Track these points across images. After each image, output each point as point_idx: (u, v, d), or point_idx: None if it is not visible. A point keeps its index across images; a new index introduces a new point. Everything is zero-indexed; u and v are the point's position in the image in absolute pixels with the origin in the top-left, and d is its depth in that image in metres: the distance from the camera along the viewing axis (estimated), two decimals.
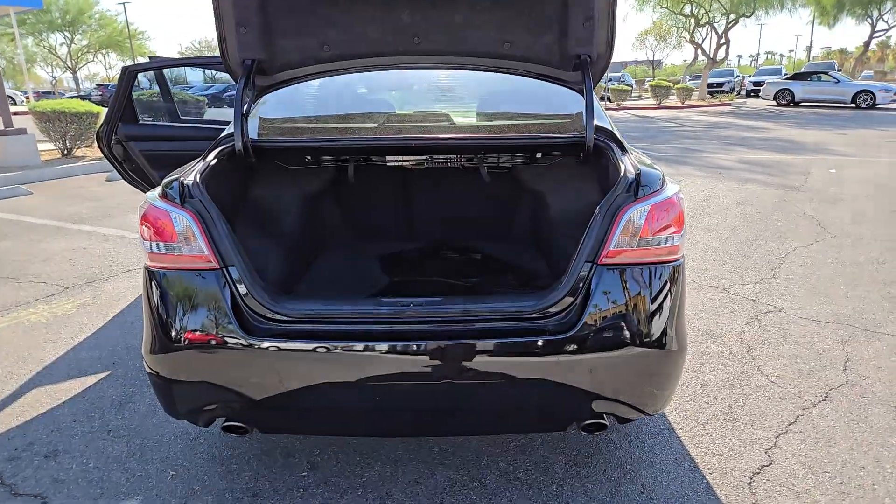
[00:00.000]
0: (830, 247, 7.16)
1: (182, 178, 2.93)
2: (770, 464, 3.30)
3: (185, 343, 2.73)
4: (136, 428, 3.74)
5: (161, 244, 2.84)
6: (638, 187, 2.74)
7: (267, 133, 3.47)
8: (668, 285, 2.74)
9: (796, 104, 31.97)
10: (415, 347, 2.63)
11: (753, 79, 44.52)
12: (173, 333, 2.76)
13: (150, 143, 6.07)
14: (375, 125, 3.52)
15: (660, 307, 2.72)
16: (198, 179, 2.92)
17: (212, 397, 2.79)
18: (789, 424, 3.66)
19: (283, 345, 2.68)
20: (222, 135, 3.40)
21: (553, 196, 4.00)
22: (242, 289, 2.75)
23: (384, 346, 2.64)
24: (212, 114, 18.76)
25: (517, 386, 2.69)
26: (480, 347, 2.64)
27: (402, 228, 4.81)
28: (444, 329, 2.69)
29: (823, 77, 31.92)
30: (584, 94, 3.19)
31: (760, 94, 34.98)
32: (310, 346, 2.69)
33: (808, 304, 5.46)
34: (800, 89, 31.91)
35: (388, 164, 4.01)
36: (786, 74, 40.15)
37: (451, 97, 4.22)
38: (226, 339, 2.71)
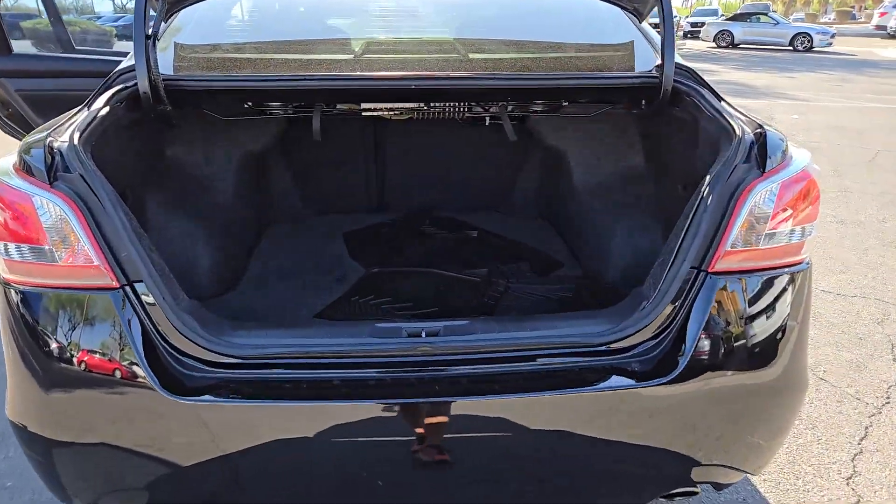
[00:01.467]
0: (822, 203, 6.62)
1: (52, 139, 1.81)
2: (857, 502, 2.65)
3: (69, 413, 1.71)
4: None
5: (21, 248, 1.76)
6: (764, 156, 1.86)
7: (187, 67, 2.35)
8: (797, 300, 1.92)
9: (735, 46, 31.88)
10: (442, 411, 1.73)
11: (691, 20, 44.26)
12: (48, 395, 1.73)
13: (31, 81, 4.68)
14: (349, 57, 2.45)
15: (786, 332, 1.90)
16: (77, 141, 1.81)
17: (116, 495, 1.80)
18: (861, 440, 3.02)
19: (230, 407, 1.71)
20: (117, 69, 2.25)
21: (583, 158, 3.08)
22: (159, 316, 1.74)
23: (391, 410, 1.72)
24: (122, 48, 16.38)
25: (578, 451, 1.85)
26: (534, 405, 1.76)
27: (378, 201, 3.79)
28: (479, 378, 1.78)
29: (763, 18, 31.78)
30: (662, 15, 2.23)
31: (701, 36, 34.68)
32: (273, 409, 1.72)
33: (825, 275, 4.87)
34: (739, 30, 31.70)
35: (364, 113, 2.95)
36: (722, 16, 40.02)
37: (451, 19, 3.14)
38: (136, 405, 1.71)
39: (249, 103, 2.83)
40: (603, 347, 1.86)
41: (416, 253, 3.21)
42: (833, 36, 30.36)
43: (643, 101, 2.50)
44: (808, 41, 29.77)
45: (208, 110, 2.75)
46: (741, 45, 32.14)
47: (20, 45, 4.71)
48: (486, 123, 3.24)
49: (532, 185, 3.66)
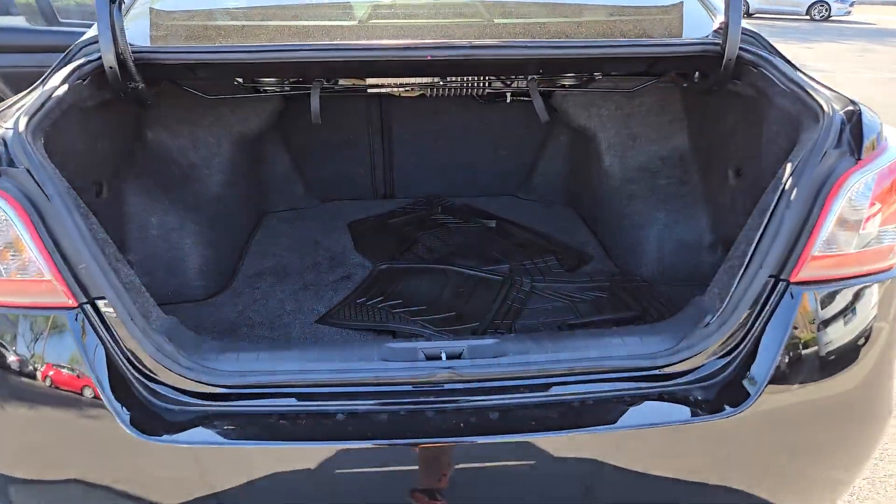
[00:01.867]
0: None
1: None
2: None
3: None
4: None
5: None
6: (859, 139, 1.52)
7: (163, 37, 2.02)
8: (886, 314, 1.60)
9: (750, 16, 30.89)
10: (465, 455, 1.44)
11: None
12: None
13: (9, 57, 4.38)
14: (353, 23, 2.11)
15: (875, 352, 1.59)
16: (24, 128, 1.50)
17: None
18: None
19: (216, 450, 1.43)
20: (80, 40, 1.92)
21: (617, 138, 2.74)
22: (127, 339, 1.45)
23: (405, 454, 1.43)
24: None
25: (626, 494, 1.56)
26: (574, 444, 1.47)
27: (386, 187, 3.46)
28: (511, 410, 1.49)
29: None
30: None
31: None
32: (264, 451, 1.44)
33: None
34: None
35: (370, 90, 2.62)
36: None
37: None
38: (100, 446, 1.44)
39: (238, 79, 2.50)
40: (657, 371, 1.56)
41: (428, 246, 2.89)
42: (852, 4, 29.40)
43: (696, 73, 2.15)
44: (826, 10, 28.83)
45: (190, 88, 2.42)
46: (756, 15, 31.20)
47: None
48: (508, 101, 2.90)
49: (555, 169, 3.32)
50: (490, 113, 3.25)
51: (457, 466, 1.46)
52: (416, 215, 3.21)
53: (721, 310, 1.56)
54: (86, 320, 1.43)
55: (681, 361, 1.54)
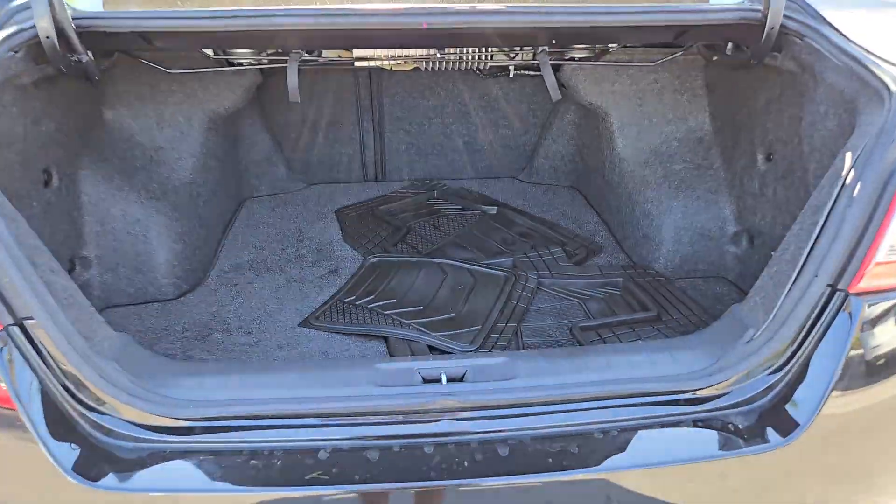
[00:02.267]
0: None
1: None
2: None
3: None
4: None
5: None
6: None
7: (114, 1, 1.73)
8: None
9: None
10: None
11: None
12: None
13: None
14: None
15: None
16: None
17: None
18: None
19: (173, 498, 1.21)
20: (10, 6, 1.64)
21: (631, 117, 2.49)
22: (65, 365, 1.22)
23: (404, 497, 1.21)
24: None
25: None
26: (599, 485, 1.26)
27: (377, 169, 3.19)
28: (524, 444, 1.27)
29: None
30: None
31: None
32: (237, 499, 1.22)
33: None
34: None
35: (357, 63, 2.35)
36: None
37: None
38: (38, 498, 1.21)
39: (206, 50, 2.22)
40: (691, 394, 1.34)
41: (423, 235, 2.65)
42: None
43: (729, 45, 1.90)
44: None
45: (148, 61, 2.14)
46: None
47: None
48: (510, 75, 2.63)
49: (561, 150, 3.06)
50: (491, 88, 2.99)
51: None
52: (409, 201, 2.96)
53: (766, 323, 1.34)
54: (12, 345, 1.18)
55: (720, 383, 1.33)
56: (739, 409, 1.35)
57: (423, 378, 1.34)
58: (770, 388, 1.34)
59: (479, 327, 1.99)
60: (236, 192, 2.89)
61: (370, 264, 2.41)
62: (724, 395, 1.34)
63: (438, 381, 1.34)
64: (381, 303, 2.14)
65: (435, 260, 2.38)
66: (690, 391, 1.33)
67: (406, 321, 2.03)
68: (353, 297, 2.19)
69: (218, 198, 2.61)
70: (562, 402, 1.31)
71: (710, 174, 2.35)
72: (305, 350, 1.94)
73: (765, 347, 1.32)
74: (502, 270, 2.30)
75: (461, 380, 1.35)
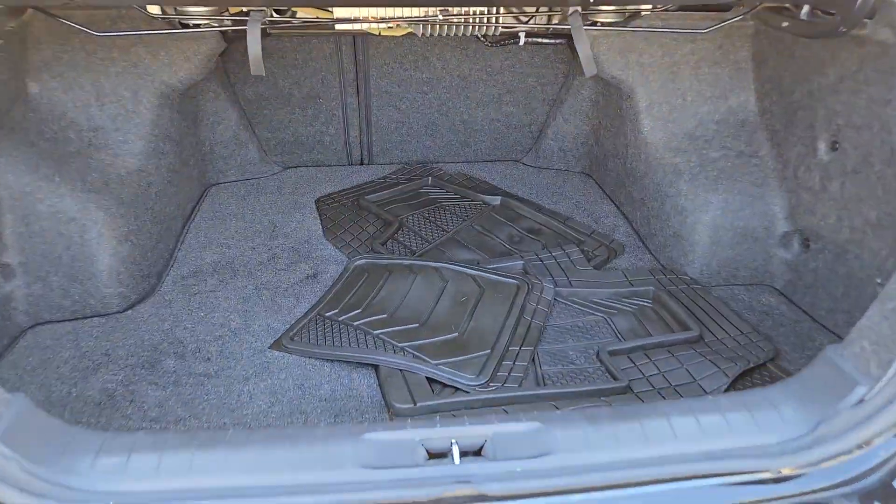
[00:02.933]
0: None
1: None
2: None
3: None
4: None
5: None
6: None
7: None
8: None
9: None
10: None
11: None
12: None
13: None
14: None
15: None
16: None
17: None
18: None
19: None
20: None
21: (661, 94, 2.13)
22: None
23: None
24: None
25: None
26: None
27: (363, 151, 2.81)
28: None
29: None
30: None
31: None
32: None
33: None
34: None
35: (338, 27, 1.95)
36: None
37: None
38: None
39: (151, 8, 1.80)
40: (781, 473, 1.01)
41: (417, 231, 2.29)
42: None
43: (805, 7, 1.53)
44: None
45: (74, 22, 1.72)
46: None
47: None
48: (520, 43, 2.24)
49: (574, 131, 2.69)
50: (496, 59, 2.59)
51: None
52: (400, 188, 2.58)
53: (885, 381, 1.01)
54: None
55: (823, 462, 1.00)
56: (842, 488, 1.03)
57: (427, 452, 1.00)
58: (883, 463, 1.02)
59: (489, 352, 1.65)
60: (199, 178, 2.49)
61: (356, 268, 2.05)
62: (824, 472, 1.02)
63: (448, 455, 1.00)
64: (368, 319, 1.78)
65: (432, 264, 2.02)
66: (783, 469, 1.01)
67: (399, 343, 1.68)
68: (336, 311, 1.83)
69: (175, 187, 2.21)
70: (615, 488, 0.98)
71: (754, 163, 2.01)
72: (276, 382, 1.59)
73: (884, 412, 1.00)
74: (512, 277, 1.95)
75: (479, 453, 1.01)
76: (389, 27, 2.06)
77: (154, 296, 1.93)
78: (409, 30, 2.01)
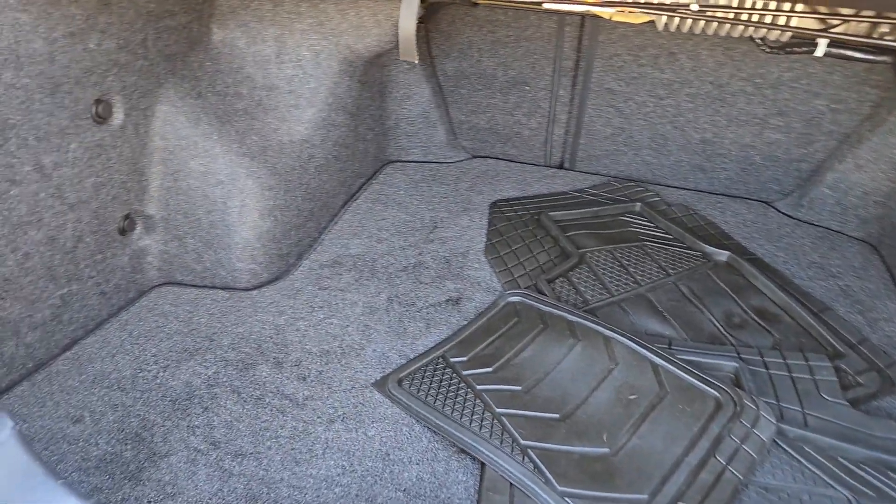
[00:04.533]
0: None
1: None
2: None
3: None
4: None
5: None
6: None
7: None
8: None
9: None
10: None
11: None
12: None
13: None
14: None
15: None
16: None
17: None
18: None
19: None
20: None
21: None
22: None
23: None
24: None
25: None
26: None
27: (562, 153, 2.32)
28: None
29: None
30: None
31: None
32: None
33: None
34: None
35: (552, 6, 1.49)
36: None
37: None
38: None
39: None
40: None
41: (600, 275, 1.76)
42: None
43: None
44: None
45: None
46: None
47: None
48: (818, 53, 1.54)
49: (865, 181, 1.88)
50: (772, 67, 1.90)
51: None
52: (596, 210, 2.05)
53: None
54: None
55: None
56: None
57: None
58: None
59: (646, 498, 1.11)
60: (375, 153, 2.23)
61: (507, 305, 1.61)
62: None
63: None
64: (496, 387, 1.34)
65: (603, 330, 1.49)
66: None
67: (525, 441, 1.22)
68: (463, 360, 1.43)
69: (341, 163, 1.97)
70: None
71: None
72: (360, 439, 1.24)
73: None
74: (714, 384, 1.35)
75: None
76: (627, 11, 1.52)
77: (285, 280, 1.72)
78: (650, 18, 1.45)
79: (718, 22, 1.36)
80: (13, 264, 1.26)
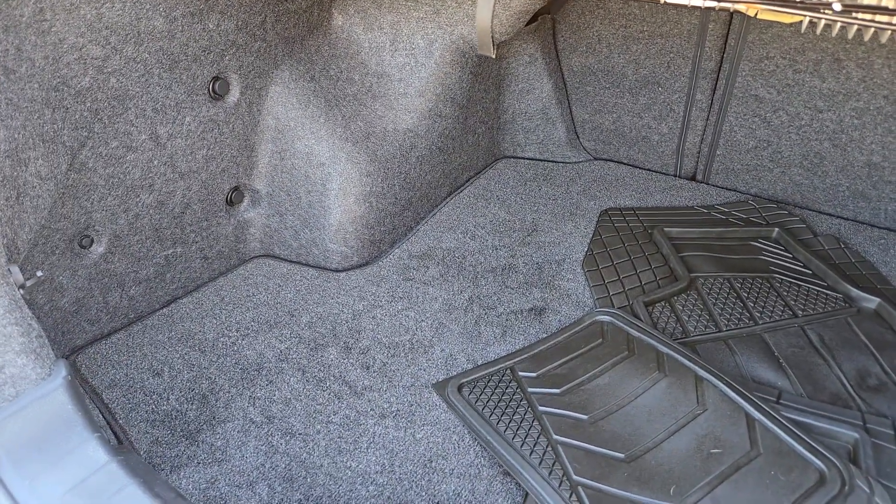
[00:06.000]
0: None
1: None
2: None
3: None
4: None
5: None
6: None
7: None
8: None
9: None
10: None
11: None
12: None
13: None
14: None
15: None
16: None
17: None
18: None
19: None
20: None
21: None
22: None
23: None
24: None
25: None
26: None
27: (697, 169, 2.11)
28: None
29: None
30: None
31: None
32: None
33: None
34: None
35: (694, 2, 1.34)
36: None
37: None
38: None
39: None
40: None
41: (710, 307, 1.56)
42: None
43: None
44: None
45: None
46: None
47: None
48: None
49: None
50: None
51: None
52: (722, 230, 1.83)
53: None
54: None
55: None
56: None
57: None
58: None
59: None
60: (488, 147, 2.17)
61: (595, 323, 1.48)
62: None
63: None
64: (559, 411, 1.24)
65: (698, 369, 1.31)
66: None
67: (578, 476, 1.11)
68: (532, 376, 1.34)
69: (445, 154, 1.93)
70: None
71: None
72: (406, 439, 1.21)
73: None
74: (821, 452, 1.13)
75: None
76: (782, 9, 1.31)
77: (373, 265, 1.73)
78: (799, 17, 1.24)
79: (866, 26, 1.12)
80: (124, 223, 1.39)
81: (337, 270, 1.71)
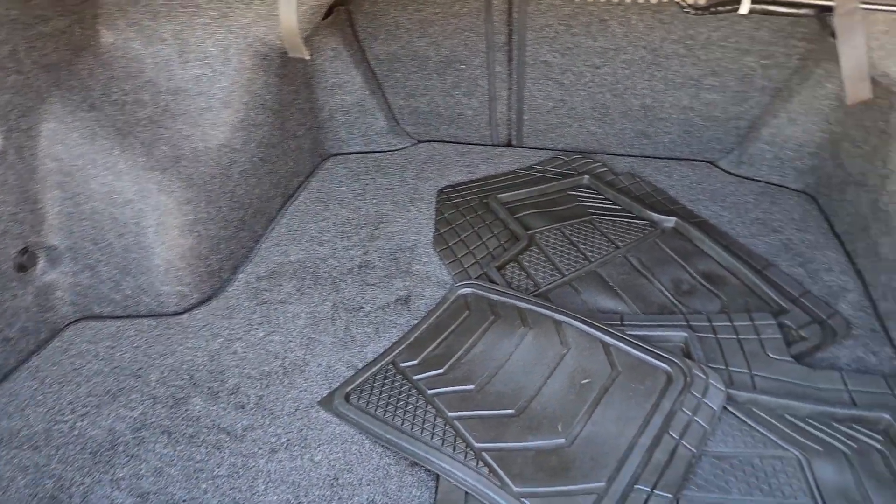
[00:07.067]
0: None
1: None
2: None
3: None
4: None
5: None
6: None
7: None
8: None
9: None
10: None
11: None
12: None
13: None
14: None
15: None
16: None
17: None
18: None
19: None
20: None
21: None
22: None
23: None
24: None
25: None
26: None
27: (508, 130, 2.29)
28: None
29: None
30: None
31: None
32: None
33: None
34: None
35: None
36: None
37: None
38: None
39: None
40: None
41: (550, 255, 1.75)
42: None
43: None
44: None
45: None
46: None
47: None
48: (743, 10, 1.52)
49: (799, 135, 1.90)
50: (701, 28, 1.88)
51: None
52: (543, 188, 2.04)
53: None
54: None
55: None
56: None
57: None
58: None
59: (603, 486, 1.12)
60: (312, 149, 2.17)
61: (458, 297, 1.59)
62: None
63: None
64: (447, 389, 1.33)
65: (555, 315, 1.49)
66: None
67: (479, 443, 1.21)
68: (413, 364, 1.41)
69: (270, 164, 1.90)
70: None
71: None
72: (306, 467, 1.22)
73: None
74: (663, 360, 1.36)
75: None
76: None
77: (219, 298, 1.66)
78: None
79: None
80: None
81: (177, 313, 1.61)
